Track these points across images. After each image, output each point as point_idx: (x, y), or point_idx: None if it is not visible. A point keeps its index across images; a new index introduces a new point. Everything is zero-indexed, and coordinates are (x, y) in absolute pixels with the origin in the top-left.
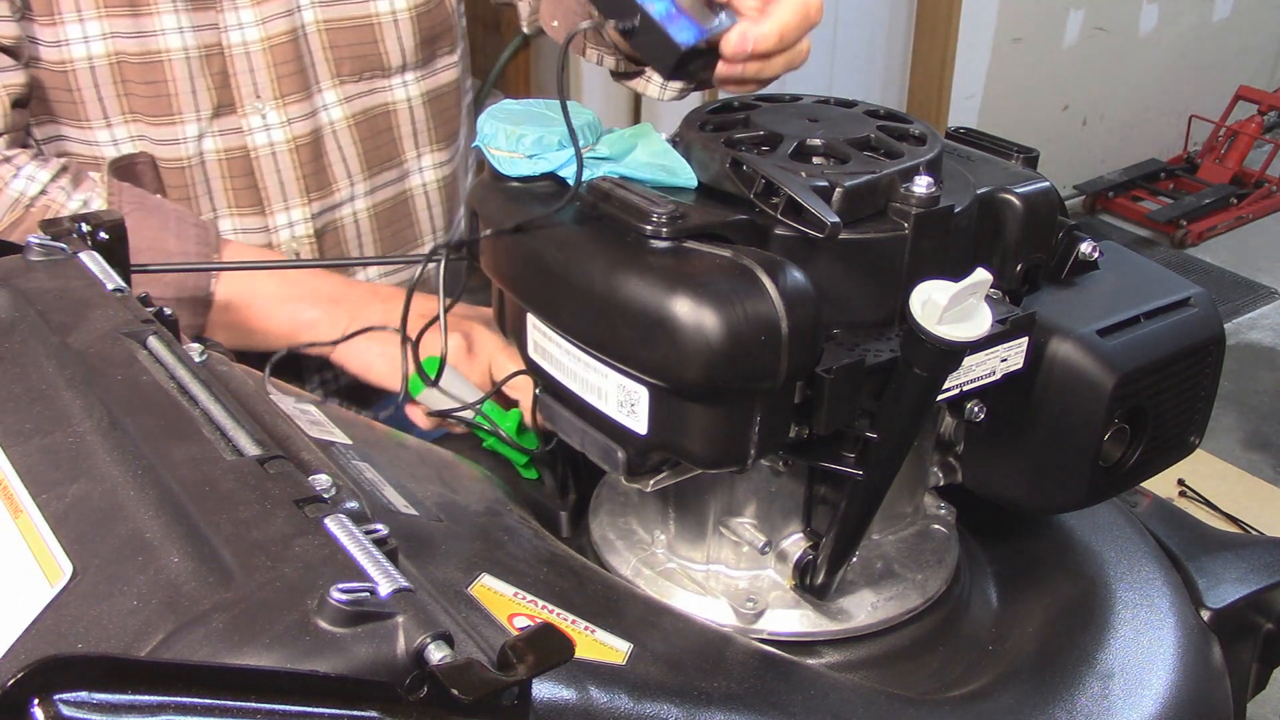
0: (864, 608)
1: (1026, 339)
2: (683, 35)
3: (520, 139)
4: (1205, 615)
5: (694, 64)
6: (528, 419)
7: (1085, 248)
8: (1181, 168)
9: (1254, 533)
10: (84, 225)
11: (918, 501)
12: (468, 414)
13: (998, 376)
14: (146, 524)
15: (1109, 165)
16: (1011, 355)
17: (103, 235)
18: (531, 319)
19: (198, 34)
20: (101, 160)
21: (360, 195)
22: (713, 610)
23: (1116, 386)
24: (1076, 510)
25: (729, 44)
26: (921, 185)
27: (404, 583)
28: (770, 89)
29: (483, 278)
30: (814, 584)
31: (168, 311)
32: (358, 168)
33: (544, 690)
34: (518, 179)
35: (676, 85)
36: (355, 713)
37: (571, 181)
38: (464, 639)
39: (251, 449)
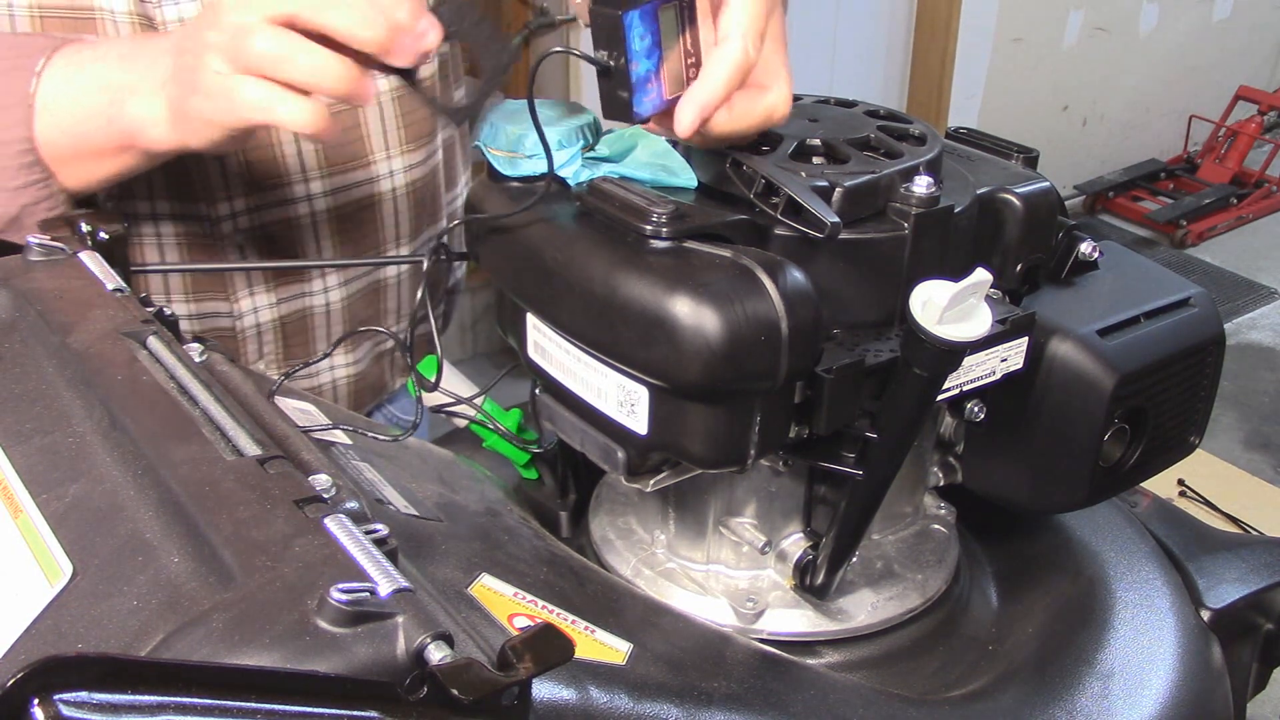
0: (864, 608)
1: (1026, 339)
2: (643, 107)
3: (520, 139)
4: (1205, 615)
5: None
6: None
7: (1085, 248)
8: (1181, 168)
9: (1254, 533)
10: (84, 225)
11: (918, 501)
12: (470, 411)
13: (998, 376)
14: (146, 524)
15: (1109, 165)
16: (1011, 355)
17: (103, 235)
18: (531, 319)
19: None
20: None
21: (318, 194)
22: (713, 610)
23: (1116, 386)
24: (1077, 510)
25: (680, 123)
26: (921, 185)
27: (404, 583)
28: None
29: (483, 278)
30: (814, 584)
31: (168, 311)
32: (314, 163)
33: (544, 690)
34: (518, 179)
35: None
36: (355, 713)
37: (571, 182)
38: (464, 639)
39: (251, 449)
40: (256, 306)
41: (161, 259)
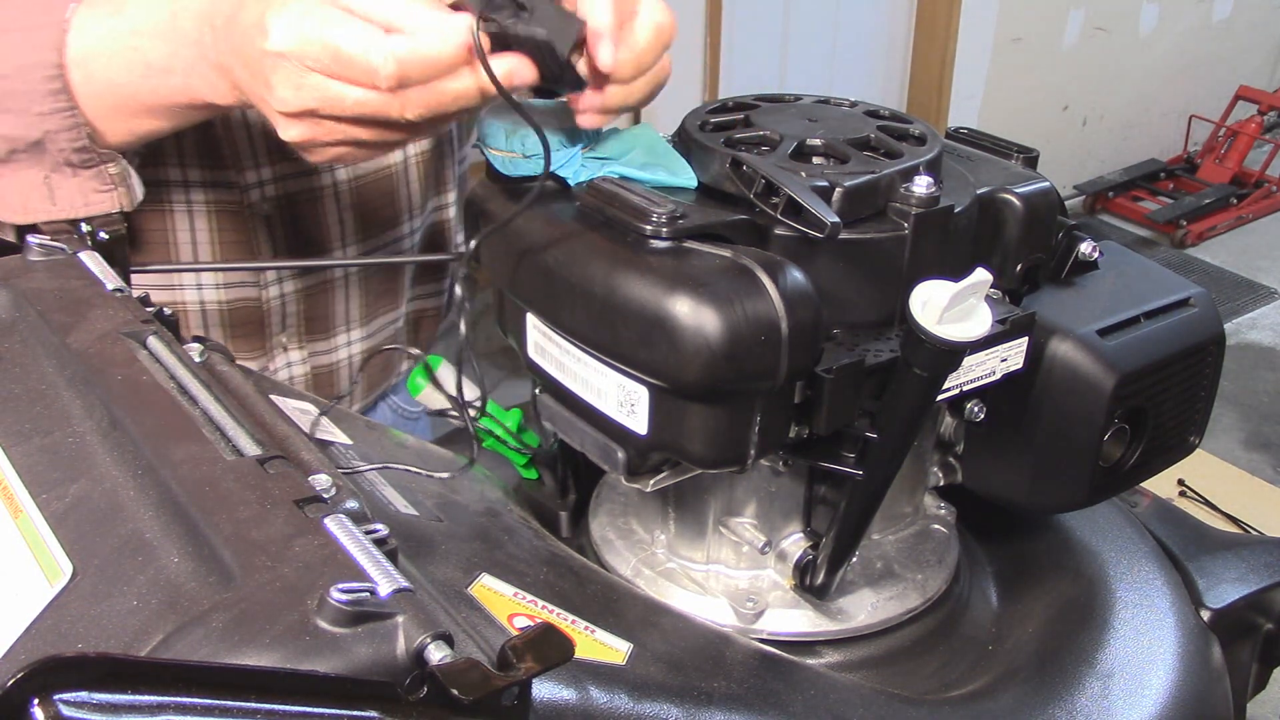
0: (864, 608)
1: (1026, 339)
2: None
3: (520, 139)
4: (1205, 615)
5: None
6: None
7: (1085, 248)
8: (1181, 168)
9: (1254, 533)
10: (84, 225)
11: (918, 501)
12: (469, 411)
13: (998, 376)
14: (146, 524)
15: (1109, 165)
16: (1011, 355)
17: (103, 235)
18: (531, 319)
19: None
20: None
21: (340, 166)
22: (713, 610)
23: (1116, 386)
24: (1076, 510)
25: (604, 57)
26: (921, 185)
27: (404, 583)
28: (771, 89)
29: (483, 278)
30: (814, 584)
31: (167, 312)
32: None
33: (544, 690)
34: (518, 179)
35: None
36: (355, 713)
37: (571, 182)
38: (464, 639)
39: (251, 449)
40: (281, 276)
41: (191, 226)
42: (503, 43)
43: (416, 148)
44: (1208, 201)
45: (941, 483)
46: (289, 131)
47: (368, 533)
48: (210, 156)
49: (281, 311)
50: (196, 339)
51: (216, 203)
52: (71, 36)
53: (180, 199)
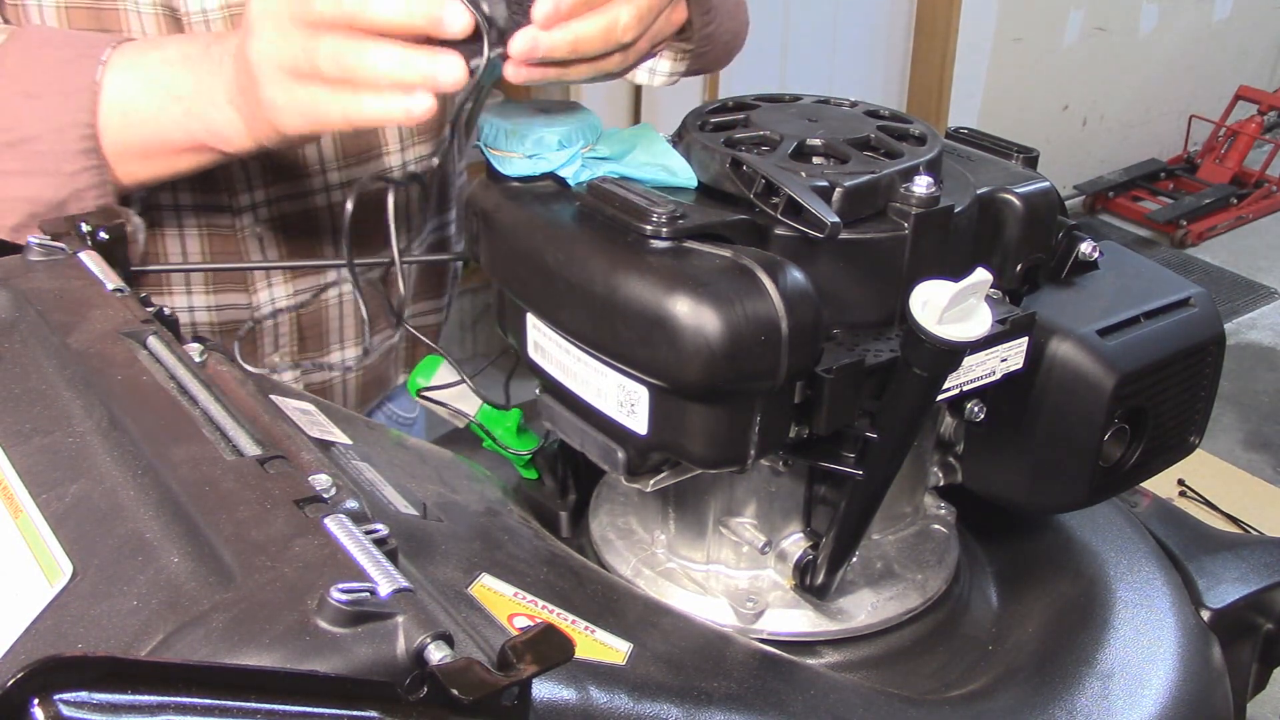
0: (864, 608)
1: (1026, 339)
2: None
3: (520, 139)
4: (1205, 615)
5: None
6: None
7: (1085, 248)
8: (1181, 168)
9: (1254, 533)
10: (84, 225)
11: (918, 501)
12: (469, 412)
13: (998, 376)
14: (146, 524)
15: (1109, 165)
16: (1011, 355)
17: (103, 235)
18: (531, 319)
19: None
20: None
21: (335, 185)
22: (713, 610)
23: (1116, 386)
24: (1076, 510)
25: (516, 44)
26: (921, 185)
27: (404, 583)
28: (771, 89)
29: (483, 278)
30: (814, 584)
31: (167, 311)
32: (332, 154)
33: (544, 690)
34: (517, 179)
35: (664, 69)
36: (355, 713)
37: (571, 182)
38: (464, 639)
39: (251, 449)
40: (274, 298)
41: (183, 249)
42: None
43: (417, 168)
44: (1208, 201)
45: (941, 483)
46: (262, 37)
47: (368, 533)
48: (203, 179)
49: (274, 331)
50: (197, 339)
51: (209, 225)
52: (107, 78)
53: (172, 222)
